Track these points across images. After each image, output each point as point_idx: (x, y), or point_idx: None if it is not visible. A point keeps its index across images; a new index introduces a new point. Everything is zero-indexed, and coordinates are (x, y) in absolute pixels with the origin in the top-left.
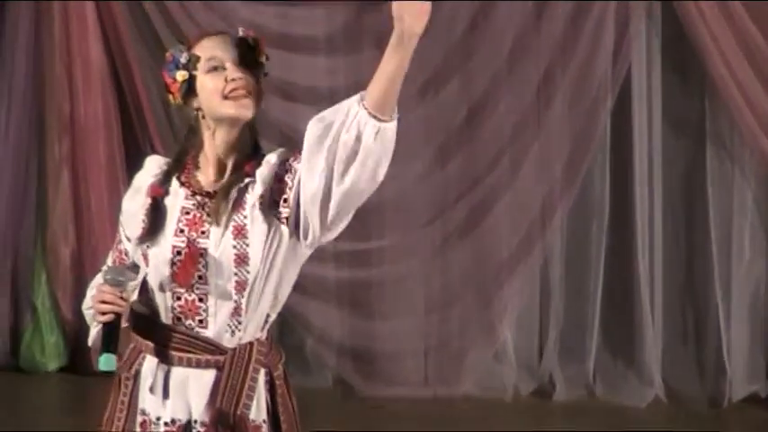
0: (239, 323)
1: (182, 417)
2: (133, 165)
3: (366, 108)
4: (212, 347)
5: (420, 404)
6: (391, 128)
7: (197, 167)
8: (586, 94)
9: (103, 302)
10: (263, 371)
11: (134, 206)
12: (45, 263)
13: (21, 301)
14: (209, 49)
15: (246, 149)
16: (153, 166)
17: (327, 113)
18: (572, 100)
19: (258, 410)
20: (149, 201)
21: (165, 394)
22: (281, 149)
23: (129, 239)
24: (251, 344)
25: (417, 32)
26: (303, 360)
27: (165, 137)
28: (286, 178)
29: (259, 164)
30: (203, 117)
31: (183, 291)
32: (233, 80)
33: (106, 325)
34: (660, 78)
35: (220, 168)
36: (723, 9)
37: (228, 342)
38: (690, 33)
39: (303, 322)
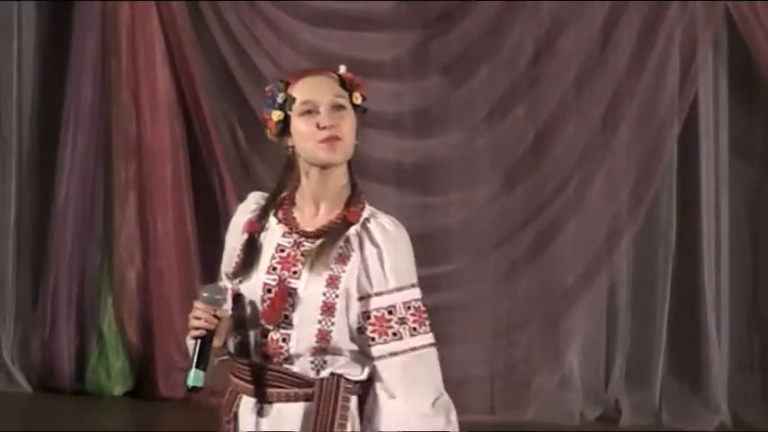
0: (324, 362)
1: None
2: (199, 189)
3: None
4: (300, 381)
5: (486, 430)
6: None
7: (293, 204)
8: (653, 121)
9: (197, 319)
10: (353, 398)
11: (233, 242)
12: (111, 287)
13: (87, 324)
14: (306, 92)
15: (342, 190)
16: (252, 201)
17: None
18: (638, 126)
19: None
20: (246, 236)
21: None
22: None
23: (226, 276)
24: (339, 375)
25: None
26: None
27: (232, 161)
28: (372, 281)
29: (360, 204)
30: (299, 155)
31: (269, 329)
32: (324, 128)
33: (198, 342)
34: (727, 106)
35: (317, 207)
36: None
37: (315, 375)
38: (757, 61)
39: None
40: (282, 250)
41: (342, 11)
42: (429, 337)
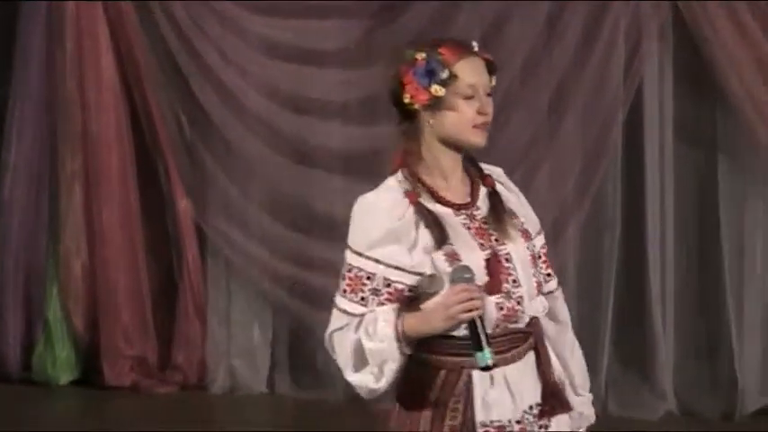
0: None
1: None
2: (145, 179)
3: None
4: (522, 335)
5: None
6: None
7: (422, 182)
8: (598, 110)
9: (471, 300)
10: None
11: (394, 225)
12: (57, 276)
13: (33, 314)
14: (471, 75)
15: (468, 160)
16: (384, 191)
17: None
18: (584, 115)
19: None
20: (412, 209)
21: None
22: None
23: (399, 269)
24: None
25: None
26: (315, 372)
27: (177, 151)
28: (530, 222)
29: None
30: (433, 128)
31: (500, 299)
32: (486, 114)
33: (478, 321)
34: (672, 93)
35: (446, 180)
36: (736, 24)
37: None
38: (702, 48)
39: (315, 334)
40: (468, 227)
41: (288, 0)
42: None
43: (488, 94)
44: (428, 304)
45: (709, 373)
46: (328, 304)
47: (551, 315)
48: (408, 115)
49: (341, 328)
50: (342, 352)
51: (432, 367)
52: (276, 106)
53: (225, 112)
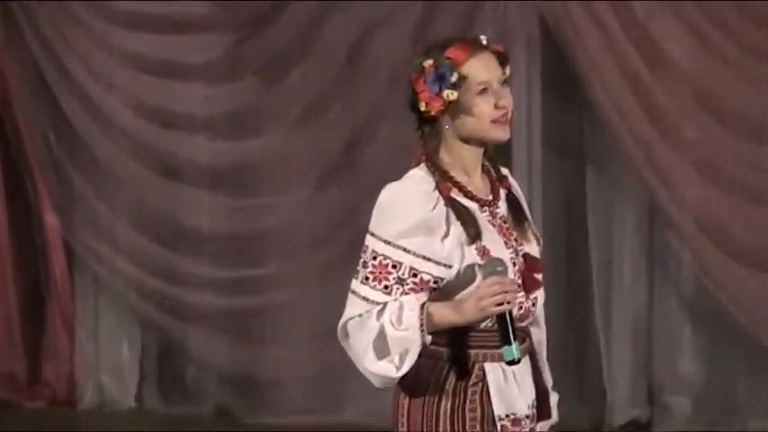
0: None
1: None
2: (12, 194)
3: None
4: (525, 334)
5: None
6: None
7: (450, 178)
8: None
9: (505, 293)
10: None
11: (426, 216)
12: None
13: None
14: (482, 72)
15: (487, 159)
16: (419, 179)
17: None
18: None
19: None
20: (443, 202)
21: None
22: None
23: (428, 259)
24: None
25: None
26: (185, 387)
27: (44, 166)
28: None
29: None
30: (453, 129)
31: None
32: (503, 107)
33: (507, 315)
34: (540, 102)
35: (469, 176)
36: (602, 34)
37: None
38: (569, 59)
39: (184, 349)
40: (493, 224)
41: (154, 14)
42: None
43: (504, 83)
44: (461, 295)
45: (578, 385)
46: (197, 319)
47: (536, 318)
48: (428, 121)
49: (360, 315)
50: (361, 339)
51: (446, 360)
52: (143, 121)
53: (92, 127)
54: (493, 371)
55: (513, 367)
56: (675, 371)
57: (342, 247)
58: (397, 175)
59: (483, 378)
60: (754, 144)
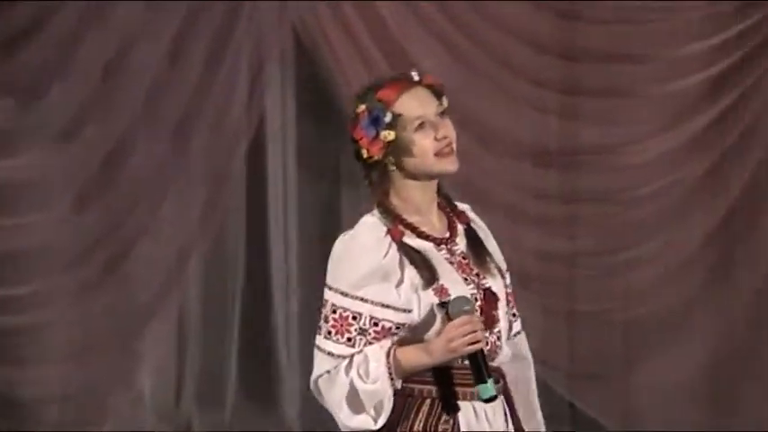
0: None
1: None
2: None
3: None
4: (497, 374)
5: None
6: None
7: (400, 219)
8: (222, 139)
9: (474, 332)
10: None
11: (380, 263)
12: None
13: None
14: (414, 107)
15: (442, 196)
16: (372, 224)
17: None
18: (208, 145)
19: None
20: (396, 247)
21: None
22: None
23: (386, 306)
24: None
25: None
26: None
27: None
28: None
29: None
30: (399, 170)
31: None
32: (444, 137)
33: (479, 354)
34: (295, 122)
35: (422, 215)
36: (358, 52)
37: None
38: (322, 76)
39: None
40: (451, 263)
41: None
42: None
43: (442, 114)
44: (428, 336)
45: None
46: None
47: (518, 354)
48: (372, 166)
49: (329, 372)
50: (333, 396)
51: (416, 397)
52: None
53: None
54: (464, 408)
55: (486, 406)
56: None
57: (98, 267)
58: (155, 192)
59: (454, 416)
60: (513, 161)
